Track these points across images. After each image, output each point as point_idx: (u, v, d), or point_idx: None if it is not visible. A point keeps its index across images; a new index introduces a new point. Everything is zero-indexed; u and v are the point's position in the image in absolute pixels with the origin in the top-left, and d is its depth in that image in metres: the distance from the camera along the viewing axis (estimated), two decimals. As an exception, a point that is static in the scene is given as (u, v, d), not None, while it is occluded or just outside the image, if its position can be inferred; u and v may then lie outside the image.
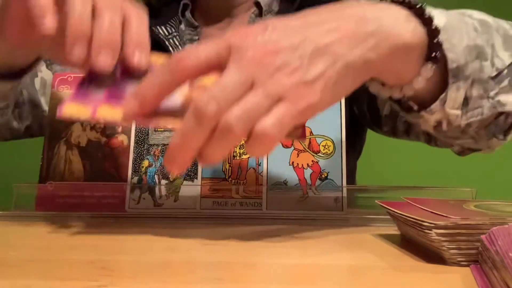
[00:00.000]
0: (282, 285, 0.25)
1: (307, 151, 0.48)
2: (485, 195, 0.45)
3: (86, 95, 0.35)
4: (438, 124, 0.42)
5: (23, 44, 0.39)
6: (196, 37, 0.74)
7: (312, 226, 0.44)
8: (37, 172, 0.50)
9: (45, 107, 0.68)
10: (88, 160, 0.50)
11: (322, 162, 0.48)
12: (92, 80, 0.36)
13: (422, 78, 0.37)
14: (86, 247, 0.34)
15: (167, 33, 0.72)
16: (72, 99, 0.34)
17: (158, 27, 0.72)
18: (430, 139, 0.55)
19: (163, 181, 0.48)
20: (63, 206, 0.49)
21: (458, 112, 0.40)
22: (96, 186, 0.49)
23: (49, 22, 0.34)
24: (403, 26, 0.35)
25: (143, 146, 0.50)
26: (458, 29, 0.39)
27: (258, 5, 0.72)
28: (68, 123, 0.51)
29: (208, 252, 0.33)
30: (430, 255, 0.30)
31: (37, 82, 0.67)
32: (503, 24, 0.43)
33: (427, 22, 0.36)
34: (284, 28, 0.33)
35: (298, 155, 0.48)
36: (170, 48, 0.69)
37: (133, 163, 0.49)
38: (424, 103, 0.40)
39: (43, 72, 0.68)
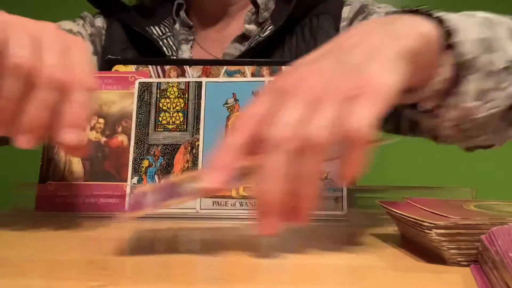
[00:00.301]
0: (282, 285, 0.25)
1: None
2: (485, 195, 0.45)
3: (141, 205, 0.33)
4: (458, 123, 0.42)
5: None
6: (191, 37, 0.73)
7: (312, 226, 0.44)
8: (37, 172, 0.50)
9: None
10: (88, 160, 0.50)
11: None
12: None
13: (445, 66, 0.38)
14: (86, 247, 0.34)
15: (161, 33, 0.72)
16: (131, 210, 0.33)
17: (151, 27, 0.72)
18: (437, 136, 0.54)
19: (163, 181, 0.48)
20: (63, 206, 0.49)
21: (472, 104, 0.40)
22: (96, 186, 0.49)
23: None
24: (416, 22, 0.36)
25: (143, 146, 0.50)
26: (465, 24, 0.40)
27: (255, 3, 0.72)
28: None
29: (208, 252, 0.33)
30: (430, 255, 0.30)
31: None
32: (505, 18, 0.45)
33: (436, 19, 0.37)
34: (323, 52, 0.34)
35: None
36: (164, 49, 0.69)
37: (133, 163, 0.49)
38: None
39: None
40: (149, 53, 0.69)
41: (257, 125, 0.31)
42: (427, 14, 0.38)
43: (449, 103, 0.40)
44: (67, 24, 0.74)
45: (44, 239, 0.36)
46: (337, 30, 0.71)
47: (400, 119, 0.61)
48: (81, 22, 0.75)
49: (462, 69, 0.39)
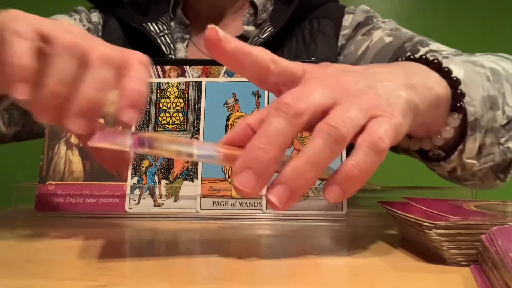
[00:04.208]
0: (282, 285, 0.25)
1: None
2: (485, 195, 0.45)
3: (114, 141, 0.29)
4: (453, 170, 0.43)
5: None
6: (187, 36, 0.73)
7: (312, 226, 0.44)
8: (37, 172, 0.50)
9: None
10: (88, 160, 0.50)
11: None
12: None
13: (450, 127, 0.38)
14: (86, 247, 0.34)
15: (158, 31, 0.71)
16: (100, 139, 0.29)
17: (149, 23, 0.71)
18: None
19: (163, 181, 0.48)
20: (63, 206, 0.49)
21: (474, 161, 0.41)
22: (96, 186, 0.49)
23: (23, 91, 0.30)
24: (431, 80, 0.36)
25: (143, 146, 0.50)
26: (475, 81, 0.40)
27: (253, 5, 0.72)
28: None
29: (208, 252, 0.33)
30: (430, 255, 0.30)
31: None
32: (511, 70, 0.45)
33: (446, 75, 0.37)
34: (346, 68, 0.33)
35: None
36: (162, 46, 0.69)
37: (133, 163, 0.49)
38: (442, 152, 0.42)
39: None
40: (146, 51, 0.69)
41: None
42: (443, 70, 0.37)
43: (451, 157, 0.41)
44: (61, 18, 0.72)
45: (44, 239, 0.36)
46: (337, 36, 0.71)
47: None
48: (77, 16, 0.74)
49: (467, 128, 0.39)
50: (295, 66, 0.31)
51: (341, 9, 0.74)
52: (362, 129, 0.28)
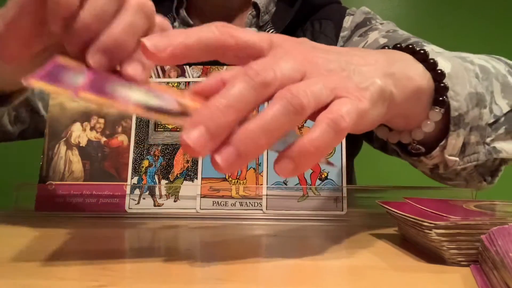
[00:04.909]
0: (282, 285, 0.25)
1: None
2: (485, 195, 0.45)
3: (58, 79, 0.27)
4: (435, 167, 0.42)
5: (16, 59, 0.33)
6: None
7: (312, 226, 0.44)
8: (37, 172, 0.50)
9: (43, 112, 0.67)
10: (88, 160, 0.50)
11: (322, 162, 0.48)
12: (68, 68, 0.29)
13: (431, 122, 0.38)
14: (86, 247, 0.34)
15: None
16: (41, 77, 0.27)
17: None
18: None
19: (163, 181, 0.48)
20: (63, 206, 0.49)
21: (456, 158, 0.40)
22: (96, 186, 0.49)
23: (58, 23, 0.29)
24: (414, 70, 0.35)
25: (143, 146, 0.50)
26: (461, 76, 0.39)
27: (255, 6, 0.72)
28: (68, 123, 0.51)
29: (208, 252, 0.33)
30: (430, 255, 0.30)
31: None
32: (502, 69, 0.44)
33: (432, 67, 0.36)
34: (321, 46, 0.32)
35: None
36: None
37: (133, 163, 0.49)
38: (424, 148, 0.41)
39: None
40: None
41: (236, 48, 0.29)
42: (429, 62, 0.36)
43: (433, 153, 0.40)
44: None
45: (44, 239, 0.36)
46: (337, 37, 0.71)
47: (387, 143, 0.62)
48: None
49: (450, 123, 0.38)
50: (260, 39, 0.30)
51: (343, 11, 0.74)
52: (324, 107, 0.27)
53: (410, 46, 0.37)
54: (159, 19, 0.33)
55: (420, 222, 0.28)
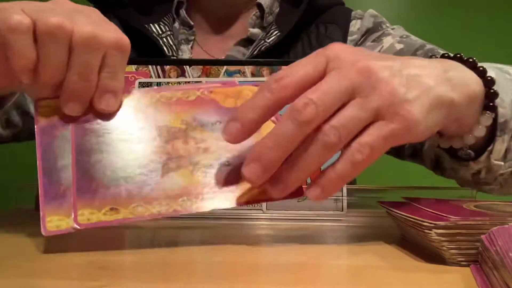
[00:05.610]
0: (282, 285, 0.25)
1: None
2: (485, 195, 0.45)
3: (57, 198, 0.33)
4: (478, 172, 0.43)
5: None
6: (192, 37, 0.72)
7: (312, 226, 0.44)
8: (37, 172, 0.50)
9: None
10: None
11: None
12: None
13: (482, 126, 0.38)
14: (86, 247, 0.34)
15: (160, 32, 0.70)
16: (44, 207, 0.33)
17: (151, 24, 0.70)
18: (436, 166, 0.55)
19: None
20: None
21: (502, 162, 0.41)
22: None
23: (26, 78, 0.32)
24: (468, 76, 0.36)
25: (143, 146, 0.50)
26: (504, 85, 0.40)
27: (260, 6, 0.71)
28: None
29: (208, 252, 0.33)
30: (430, 255, 0.30)
31: None
32: None
33: (481, 74, 0.37)
34: (376, 53, 0.34)
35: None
36: (164, 48, 0.68)
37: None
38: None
39: None
40: (148, 52, 0.68)
41: (296, 87, 0.31)
42: (478, 69, 0.38)
43: (480, 158, 0.41)
44: None
45: (44, 239, 0.36)
46: (344, 41, 0.70)
47: (405, 144, 0.62)
48: None
49: (497, 129, 0.40)
50: (315, 67, 0.32)
51: (348, 14, 0.73)
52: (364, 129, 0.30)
53: (458, 56, 0.38)
54: (112, 41, 0.34)
55: (420, 222, 0.28)
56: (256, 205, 0.47)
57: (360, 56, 0.32)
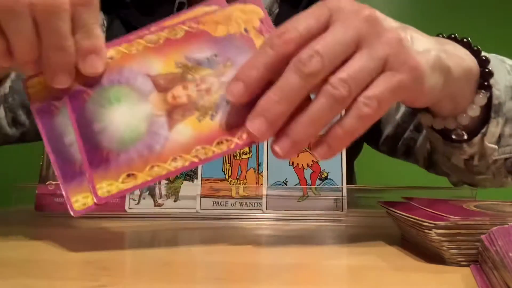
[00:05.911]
0: (282, 285, 0.25)
1: (307, 151, 0.48)
2: (485, 195, 0.45)
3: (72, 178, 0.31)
4: (470, 158, 0.43)
5: None
6: None
7: (312, 226, 0.44)
8: (37, 172, 0.50)
9: None
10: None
11: (322, 162, 0.48)
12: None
13: (477, 106, 0.39)
14: (86, 247, 0.34)
15: None
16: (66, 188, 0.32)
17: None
18: (429, 164, 0.55)
19: (163, 181, 0.48)
20: (63, 206, 0.48)
21: (495, 146, 0.41)
22: (96, 186, 0.49)
23: (3, 61, 0.31)
24: (463, 53, 0.37)
25: (143, 146, 0.50)
26: (499, 68, 0.41)
27: None
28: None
29: (208, 252, 0.33)
30: (430, 255, 0.30)
31: None
32: None
33: (476, 53, 0.38)
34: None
35: (298, 155, 0.48)
36: None
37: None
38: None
39: None
40: None
41: (299, 42, 0.30)
42: (473, 49, 0.38)
43: (474, 140, 0.41)
44: None
45: (44, 239, 0.36)
46: None
47: (398, 142, 0.62)
48: None
49: (491, 111, 0.40)
50: (317, 18, 0.30)
51: None
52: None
53: (453, 36, 0.39)
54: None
55: (420, 222, 0.28)
56: (256, 205, 0.47)
57: (363, 7, 0.31)
